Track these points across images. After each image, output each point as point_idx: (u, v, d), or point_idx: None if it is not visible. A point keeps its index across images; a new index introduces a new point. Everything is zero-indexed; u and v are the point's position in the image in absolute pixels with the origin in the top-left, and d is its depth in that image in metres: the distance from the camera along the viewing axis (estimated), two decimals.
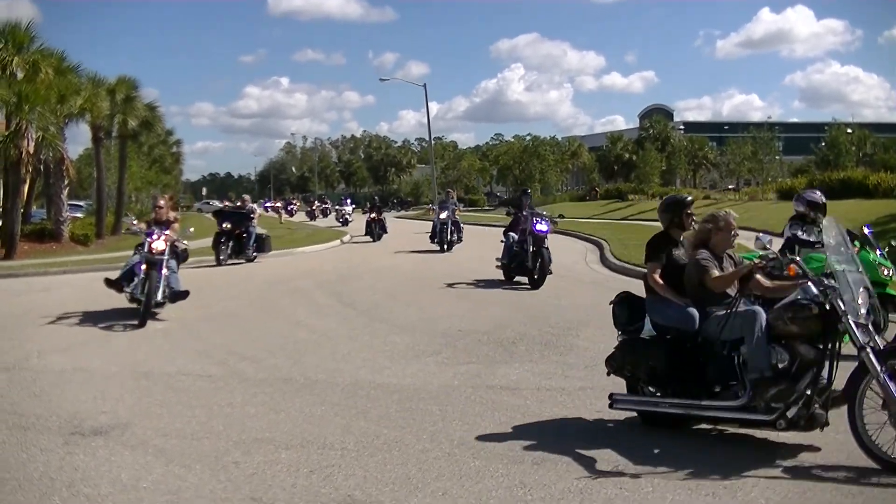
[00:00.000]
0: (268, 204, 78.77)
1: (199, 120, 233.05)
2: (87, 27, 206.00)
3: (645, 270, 6.75)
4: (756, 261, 5.99)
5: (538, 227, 14.96)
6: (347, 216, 46.49)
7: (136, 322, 10.87)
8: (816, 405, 5.42)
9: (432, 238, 24.01)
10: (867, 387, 5.23)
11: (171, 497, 4.91)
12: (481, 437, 5.96)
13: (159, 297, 11.11)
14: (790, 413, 5.42)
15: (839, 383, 5.42)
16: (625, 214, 43.51)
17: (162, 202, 11.97)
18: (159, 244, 11.26)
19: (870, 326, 5.39)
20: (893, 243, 9.26)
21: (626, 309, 6.56)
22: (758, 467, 5.20)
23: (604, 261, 20.27)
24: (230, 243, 20.87)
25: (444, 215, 23.98)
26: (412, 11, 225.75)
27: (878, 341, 5.31)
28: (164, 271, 11.27)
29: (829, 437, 5.72)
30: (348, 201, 51.08)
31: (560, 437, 5.95)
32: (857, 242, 8.39)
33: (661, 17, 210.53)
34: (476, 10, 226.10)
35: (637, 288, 6.98)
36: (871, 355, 5.17)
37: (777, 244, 7.34)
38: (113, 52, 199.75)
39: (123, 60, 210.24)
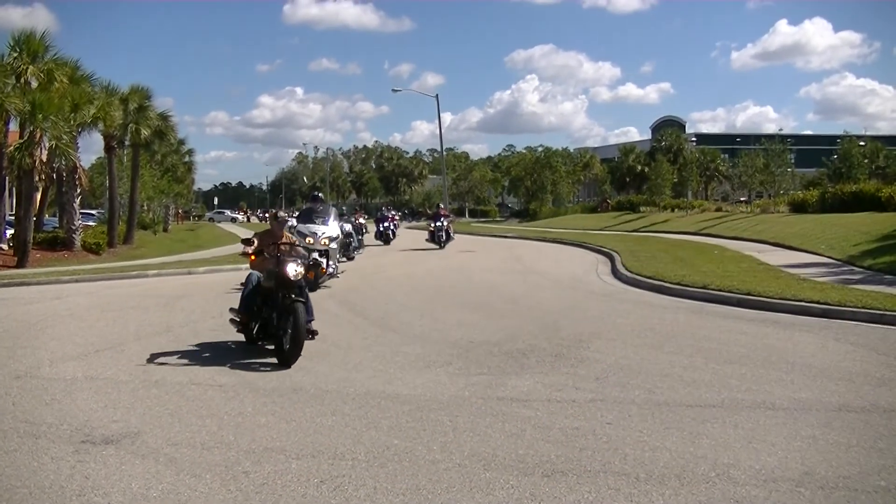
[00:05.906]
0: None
1: (213, 129, 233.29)
2: (104, 36, 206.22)
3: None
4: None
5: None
6: (392, 231, 37.97)
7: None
8: None
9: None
10: None
11: None
12: (492, 449, 5.94)
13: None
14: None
15: None
16: (636, 226, 43.42)
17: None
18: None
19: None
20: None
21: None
22: (769, 481, 5.16)
23: (615, 273, 20.22)
24: None
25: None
26: (429, 22, 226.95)
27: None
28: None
29: (840, 451, 5.70)
30: (393, 212, 43.82)
31: (570, 448, 5.93)
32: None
33: (677, 29, 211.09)
34: (492, 22, 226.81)
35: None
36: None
37: None
38: (128, 61, 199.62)
39: (139, 69, 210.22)
